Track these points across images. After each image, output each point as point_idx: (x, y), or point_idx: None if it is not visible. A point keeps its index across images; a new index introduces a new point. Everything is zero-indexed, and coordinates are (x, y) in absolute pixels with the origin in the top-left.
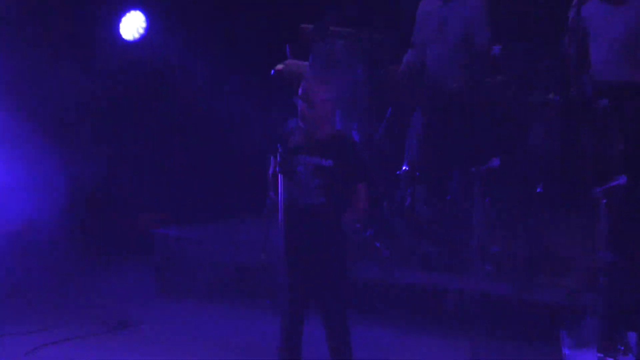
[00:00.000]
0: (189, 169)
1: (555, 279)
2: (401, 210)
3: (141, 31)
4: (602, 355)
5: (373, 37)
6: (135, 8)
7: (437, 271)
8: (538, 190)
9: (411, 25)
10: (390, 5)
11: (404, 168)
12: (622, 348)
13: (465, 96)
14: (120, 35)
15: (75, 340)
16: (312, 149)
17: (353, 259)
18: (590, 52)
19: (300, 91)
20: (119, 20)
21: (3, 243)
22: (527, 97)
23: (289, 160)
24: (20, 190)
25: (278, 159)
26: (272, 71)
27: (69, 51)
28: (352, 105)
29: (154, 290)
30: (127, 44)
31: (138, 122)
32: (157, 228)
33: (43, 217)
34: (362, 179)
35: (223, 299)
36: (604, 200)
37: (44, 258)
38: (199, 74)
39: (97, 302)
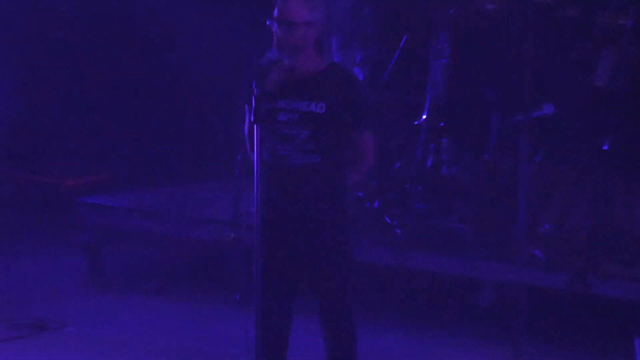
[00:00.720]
0: (130, 117)
1: (625, 268)
2: (420, 174)
3: None
4: None
5: None
6: None
7: (469, 256)
8: (604, 147)
9: None
10: None
11: (424, 116)
12: None
13: (508, 16)
14: None
15: None
16: (298, 90)
17: (354, 239)
18: None
19: (275, 10)
20: None
21: None
22: (592, 21)
23: (268, 106)
24: None
25: (253, 105)
26: None
27: None
28: (353, 30)
29: (82, 281)
30: None
31: (76, 54)
32: (86, 196)
33: None
34: (367, 128)
35: (176, 293)
36: None
37: None
38: None
39: (4, 297)
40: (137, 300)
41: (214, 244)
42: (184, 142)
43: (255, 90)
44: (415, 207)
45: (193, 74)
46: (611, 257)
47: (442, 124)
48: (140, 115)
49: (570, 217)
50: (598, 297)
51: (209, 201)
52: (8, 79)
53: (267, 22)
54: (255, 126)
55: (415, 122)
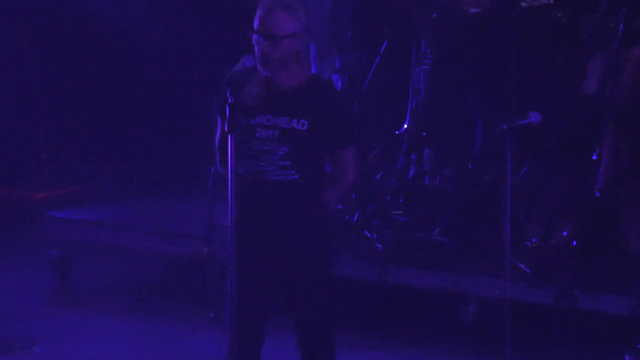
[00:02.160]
0: (100, 128)
1: (614, 282)
2: (402, 185)
3: None
4: None
5: None
6: None
7: (452, 271)
8: (594, 157)
9: None
10: None
11: (405, 125)
12: None
13: (493, 20)
14: None
15: None
16: (279, 105)
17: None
18: None
19: (256, 22)
20: None
21: None
22: (580, 26)
23: (245, 121)
24: None
25: (227, 114)
26: None
27: None
28: (331, 36)
29: (50, 298)
30: None
31: (44, 66)
32: (55, 209)
33: None
34: (348, 143)
35: (148, 310)
36: None
37: None
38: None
39: None
40: (108, 318)
41: (187, 259)
42: (156, 154)
43: (230, 98)
44: (397, 220)
45: (164, 84)
46: (601, 270)
47: (424, 133)
48: (111, 127)
49: (557, 230)
50: (586, 312)
51: (182, 215)
52: None
53: (251, 35)
54: (230, 136)
55: (397, 132)
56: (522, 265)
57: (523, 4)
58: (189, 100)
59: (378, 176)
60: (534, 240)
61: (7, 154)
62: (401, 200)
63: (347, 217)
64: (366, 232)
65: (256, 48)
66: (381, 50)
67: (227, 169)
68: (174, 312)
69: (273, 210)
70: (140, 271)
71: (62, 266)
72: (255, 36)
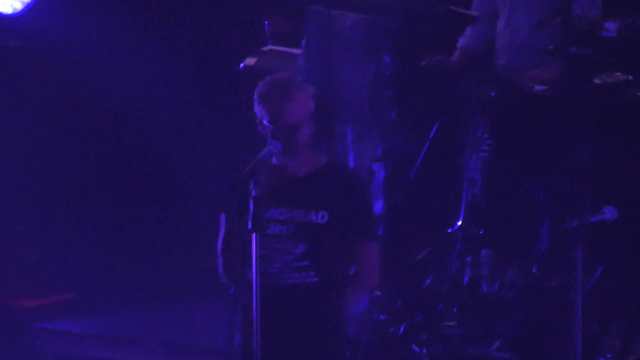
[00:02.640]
0: (96, 227)
1: None
2: (455, 291)
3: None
4: None
5: (410, 7)
6: None
7: None
8: None
9: None
10: None
11: (459, 222)
12: None
13: (559, 100)
14: None
15: None
16: (293, 196)
17: None
18: None
19: (261, 111)
20: None
21: None
22: None
23: (256, 216)
24: None
25: (251, 212)
26: (241, 65)
27: None
28: (372, 117)
29: None
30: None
31: (31, 156)
32: (46, 320)
33: None
34: (374, 237)
35: None
36: None
37: None
38: (111, 63)
39: None
40: None
41: None
42: (162, 254)
43: (253, 191)
44: (449, 333)
45: (173, 177)
46: None
47: (481, 232)
48: (108, 225)
49: (637, 343)
50: None
51: (194, 326)
52: None
53: (262, 125)
54: (253, 236)
55: (449, 230)
56: None
57: (597, 81)
58: (200, 196)
59: (428, 281)
60: (608, 356)
61: None
62: (455, 310)
63: (391, 330)
64: (414, 346)
65: (269, 136)
66: (431, 134)
67: (231, 276)
68: None
69: (286, 318)
70: None
71: None
72: (264, 123)
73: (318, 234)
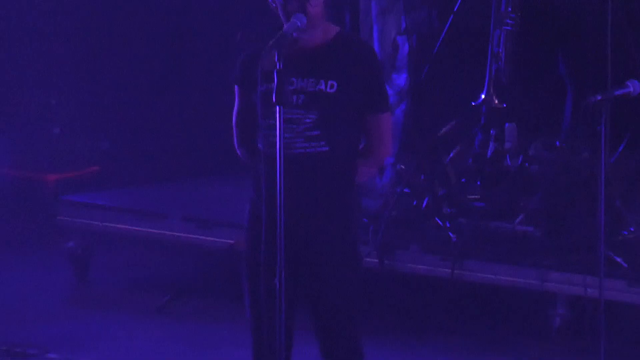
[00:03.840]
0: (120, 103)
1: None
2: (479, 165)
3: None
4: None
5: None
6: None
7: (538, 266)
8: None
9: None
10: None
11: (482, 96)
12: None
13: None
14: None
15: None
16: (303, 65)
17: (399, 243)
18: None
19: None
20: None
21: None
22: None
23: (262, 87)
24: None
25: (276, 85)
26: None
27: None
28: None
29: (68, 297)
30: None
31: (63, 46)
32: (72, 193)
33: None
34: (385, 107)
35: (179, 311)
36: None
37: None
38: None
39: None
40: (133, 320)
41: (227, 252)
42: (188, 128)
43: (278, 64)
44: (473, 206)
45: (201, 52)
46: None
47: (504, 105)
48: (136, 96)
49: None
50: None
51: (221, 200)
52: None
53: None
54: (278, 108)
55: (473, 103)
56: (619, 260)
57: None
58: (218, 75)
59: (451, 155)
60: (632, 229)
61: (16, 131)
62: (478, 183)
63: (414, 203)
64: (437, 220)
65: (279, 8)
66: (455, 8)
67: (247, 149)
68: (210, 314)
69: (298, 187)
70: (172, 265)
71: (81, 259)
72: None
73: (328, 103)
